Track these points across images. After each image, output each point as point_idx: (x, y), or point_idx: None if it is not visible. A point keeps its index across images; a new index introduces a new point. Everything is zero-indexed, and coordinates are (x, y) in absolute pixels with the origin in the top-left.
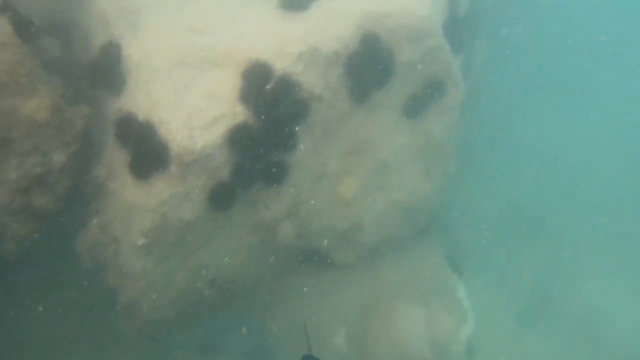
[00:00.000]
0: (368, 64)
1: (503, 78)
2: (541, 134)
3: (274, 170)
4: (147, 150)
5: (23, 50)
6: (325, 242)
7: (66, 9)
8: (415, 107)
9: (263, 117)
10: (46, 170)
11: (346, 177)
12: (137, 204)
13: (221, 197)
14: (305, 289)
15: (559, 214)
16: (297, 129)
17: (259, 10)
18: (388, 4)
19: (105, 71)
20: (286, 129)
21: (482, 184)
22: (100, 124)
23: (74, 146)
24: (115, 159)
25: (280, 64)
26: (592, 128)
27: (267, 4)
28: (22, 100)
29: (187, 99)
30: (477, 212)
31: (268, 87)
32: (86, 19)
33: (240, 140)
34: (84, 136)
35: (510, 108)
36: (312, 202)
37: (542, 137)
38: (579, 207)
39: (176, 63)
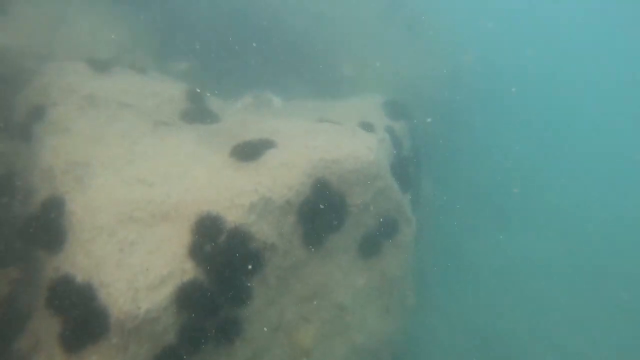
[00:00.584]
0: (320, 210)
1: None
2: (489, 254)
3: (226, 327)
4: (82, 317)
5: None
6: None
7: (8, 162)
8: (370, 247)
9: (214, 272)
10: None
11: (304, 325)
12: None
13: None
14: None
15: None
16: (249, 284)
17: (210, 160)
18: (336, 151)
19: (44, 228)
20: (239, 283)
21: (442, 314)
22: (30, 287)
23: None
24: (42, 328)
25: (232, 216)
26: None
27: (219, 154)
28: None
29: (133, 257)
30: (442, 346)
31: (219, 241)
32: (30, 172)
33: (189, 299)
34: (7, 303)
35: (459, 232)
36: (270, 355)
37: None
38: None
39: (123, 218)
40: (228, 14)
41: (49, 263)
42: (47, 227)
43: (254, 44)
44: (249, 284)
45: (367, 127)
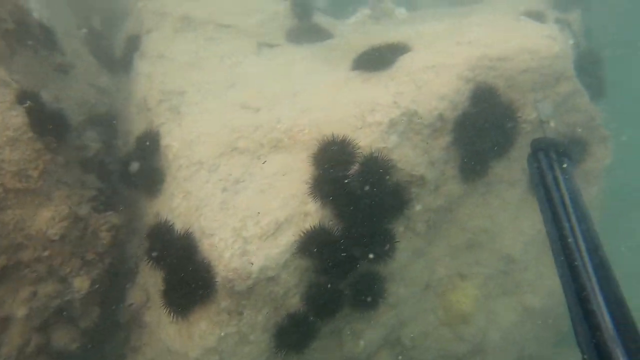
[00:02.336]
0: (483, 128)
1: None
2: None
3: (365, 288)
4: (185, 274)
5: (36, 147)
6: None
7: (110, 101)
8: None
9: (345, 216)
10: (67, 301)
11: (461, 283)
12: (175, 351)
13: (293, 335)
14: None
15: None
16: (391, 231)
17: (330, 75)
18: (502, 44)
19: (139, 167)
20: (378, 229)
21: None
22: (136, 234)
23: (101, 267)
24: (150, 283)
25: (366, 139)
26: None
27: (339, 68)
28: (32, 210)
29: (239, 198)
30: None
31: (349, 173)
32: (129, 108)
33: (314, 252)
34: (114, 252)
35: None
36: (418, 322)
37: None
38: None
39: (225, 150)
40: None
41: (149, 207)
42: (142, 165)
43: None
44: (391, 231)
45: (536, 16)
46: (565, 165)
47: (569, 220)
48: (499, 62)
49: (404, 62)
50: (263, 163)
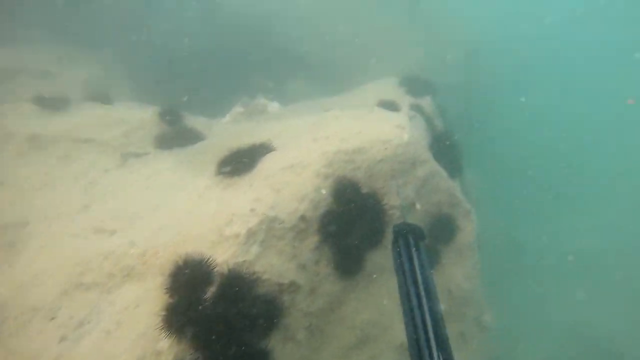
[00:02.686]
0: (351, 221)
1: None
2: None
3: None
4: None
5: None
6: None
7: None
8: None
9: (204, 345)
10: None
11: None
12: None
13: None
14: None
15: None
16: (265, 348)
17: (192, 185)
18: (357, 137)
19: None
20: (248, 351)
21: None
22: None
23: None
24: None
25: (223, 254)
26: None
27: (203, 174)
28: None
29: (80, 348)
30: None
31: (207, 296)
32: None
33: None
34: None
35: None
36: None
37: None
38: None
39: (68, 288)
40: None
41: None
42: None
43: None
44: (264, 350)
45: (390, 105)
46: (418, 249)
47: (419, 301)
48: (355, 155)
49: (264, 165)
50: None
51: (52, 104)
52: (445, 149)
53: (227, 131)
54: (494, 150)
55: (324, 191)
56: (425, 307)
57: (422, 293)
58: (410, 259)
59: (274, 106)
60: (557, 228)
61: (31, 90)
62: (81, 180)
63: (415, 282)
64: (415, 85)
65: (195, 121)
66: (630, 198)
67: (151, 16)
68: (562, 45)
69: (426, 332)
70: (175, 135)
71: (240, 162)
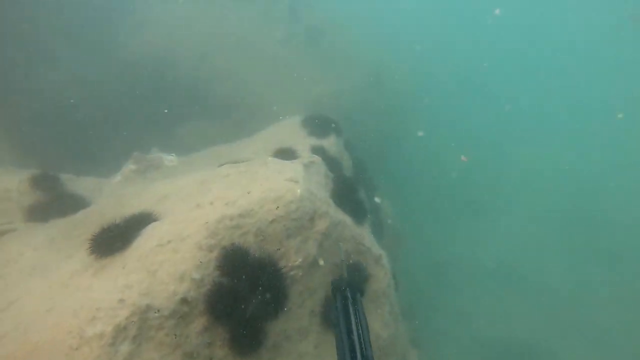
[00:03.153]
0: (244, 292)
1: None
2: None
3: None
4: None
5: None
6: None
7: None
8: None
9: None
10: None
11: None
12: None
13: None
14: None
15: None
16: None
17: (60, 269)
18: (243, 199)
19: None
20: None
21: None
22: None
23: None
24: None
25: (86, 356)
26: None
27: (76, 254)
28: None
29: None
30: None
31: None
32: None
33: None
34: None
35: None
36: None
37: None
38: None
39: None
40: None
41: None
42: None
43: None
44: None
45: (286, 154)
46: (356, 302)
47: (355, 353)
48: (243, 220)
49: (141, 242)
50: None
51: None
52: (351, 193)
53: (115, 195)
54: (408, 174)
55: (210, 263)
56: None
57: (358, 345)
58: (347, 313)
59: (170, 159)
60: (475, 240)
61: None
62: None
63: (351, 334)
64: (318, 124)
65: (81, 184)
66: (536, 205)
67: (38, 63)
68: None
69: None
70: (53, 204)
71: (116, 238)
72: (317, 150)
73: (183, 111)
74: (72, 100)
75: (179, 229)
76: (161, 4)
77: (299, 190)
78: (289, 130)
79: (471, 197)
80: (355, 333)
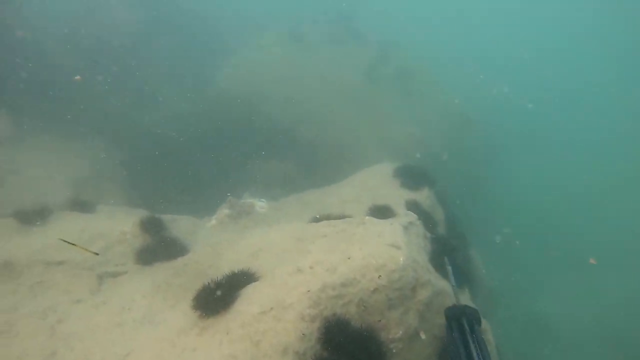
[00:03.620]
0: None
1: None
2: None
3: None
4: None
5: None
6: None
7: None
8: None
9: None
10: None
11: None
12: None
13: None
14: None
15: None
16: None
17: (165, 324)
18: (344, 265)
19: None
20: None
21: None
22: None
23: None
24: None
25: None
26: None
27: (179, 307)
28: None
29: None
30: None
31: None
32: None
33: None
34: None
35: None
36: None
37: None
38: None
39: None
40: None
41: None
42: None
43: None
44: None
45: (383, 211)
46: (474, 333)
47: None
48: (345, 289)
49: (242, 305)
50: None
51: (32, 217)
52: (448, 256)
53: (210, 242)
54: (499, 220)
55: (312, 335)
56: None
57: None
58: (467, 345)
59: (261, 205)
60: (574, 296)
61: (16, 199)
62: (49, 317)
63: None
64: (410, 176)
65: (180, 226)
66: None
67: (144, 105)
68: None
69: None
70: (157, 248)
71: (217, 298)
72: (411, 205)
73: (269, 151)
74: (174, 134)
75: (280, 294)
76: (256, 48)
77: (401, 258)
78: (380, 179)
79: (567, 246)
80: None
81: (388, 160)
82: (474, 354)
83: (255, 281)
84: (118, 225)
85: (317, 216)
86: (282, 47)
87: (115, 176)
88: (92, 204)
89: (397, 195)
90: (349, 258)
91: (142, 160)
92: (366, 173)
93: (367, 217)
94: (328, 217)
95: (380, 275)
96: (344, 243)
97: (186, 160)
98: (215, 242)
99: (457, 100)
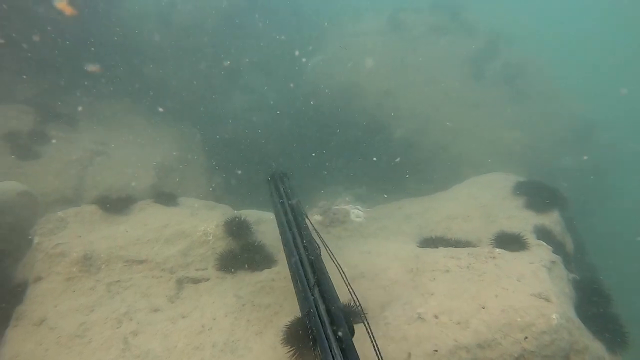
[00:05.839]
0: None
1: None
2: None
3: None
4: None
5: None
6: None
7: None
8: None
9: None
10: None
11: None
12: None
13: None
14: None
15: None
16: None
17: (249, 356)
18: (480, 317)
19: None
20: None
21: None
22: None
23: None
24: None
25: None
26: None
27: (265, 338)
28: None
29: None
30: None
31: None
32: None
33: None
34: None
35: None
36: None
37: None
38: None
39: None
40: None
41: None
42: None
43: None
44: None
45: (510, 241)
46: (283, 181)
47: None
48: (482, 352)
49: None
50: None
51: (116, 206)
52: (600, 304)
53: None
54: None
55: None
56: (292, 218)
57: (289, 209)
58: (278, 188)
59: (357, 214)
60: None
61: (99, 184)
62: (124, 326)
63: (283, 203)
64: (536, 193)
65: (266, 229)
66: None
67: (231, 92)
68: None
69: (293, 233)
70: (241, 254)
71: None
72: (540, 232)
73: (360, 147)
74: (259, 129)
75: (397, 352)
76: (351, 36)
77: (554, 316)
78: (494, 194)
79: None
80: (284, 198)
81: (502, 171)
82: (282, 190)
83: (359, 322)
84: (201, 223)
85: (432, 236)
86: (380, 36)
87: (197, 163)
88: (174, 196)
89: (521, 218)
90: (483, 308)
91: (225, 149)
92: (474, 184)
93: (497, 250)
94: (442, 241)
95: (526, 337)
96: (472, 285)
97: (269, 152)
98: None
99: (578, 103)
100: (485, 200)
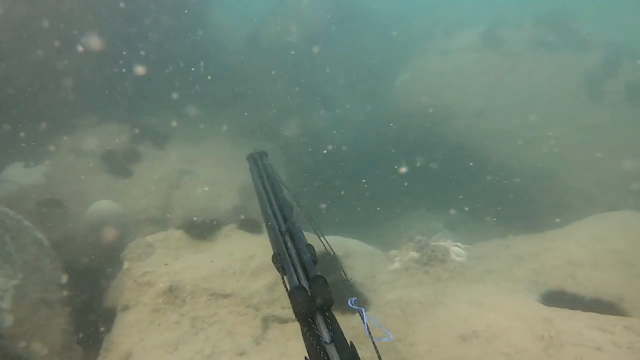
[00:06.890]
0: None
1: None
2: None
3: None
4: None
5: None
6: None
7: None
8: None
9: None
10: None
11: None
12: None
13: None
14: None
15: None
16: None
17: None
18: None
19: None
20: None
21: None
22: None
23: None
24: None
25: None
26: None
27: None
28: None
29: None
30: None
31: None
32: None
33: None
34: None
35: None
36: None
37: None
38: None
39: None
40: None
41: None
42: None
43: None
44: None
45: None
46: (262, 160)
47: (267, 189)
48: None
49: None
50: None
51: (201, 232)
52: None
53: (397, 296)
54: None
55: None
56: (271, 191)
57: (267, 182)
58: (257, 165)
59: (457, 252)
60: None
61: (184, 204)
62: None
63: (262, 178)
64: None
65: (356, 262)
66: None
67: (313, 108)
68: None
69: (272, 206)
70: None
71: None
72: None
73: (449, 172)
74: (343, 147)
75: None
76: (440, 55)
77: None
78: (630, 237)
79: None
80: (263, 177)
81: (624, 208)
82: (260, 166)
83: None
84: None
85: (557, 289)
86: (473, 53)
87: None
88: (258, 223)
89: None
90: None
91: (305, 167)
92: (598, 224)
93: None
94: (574, 298)
95: None
96: None
97: (350, 174)
98: (405, 302)
99: None
100: (618, 245)
